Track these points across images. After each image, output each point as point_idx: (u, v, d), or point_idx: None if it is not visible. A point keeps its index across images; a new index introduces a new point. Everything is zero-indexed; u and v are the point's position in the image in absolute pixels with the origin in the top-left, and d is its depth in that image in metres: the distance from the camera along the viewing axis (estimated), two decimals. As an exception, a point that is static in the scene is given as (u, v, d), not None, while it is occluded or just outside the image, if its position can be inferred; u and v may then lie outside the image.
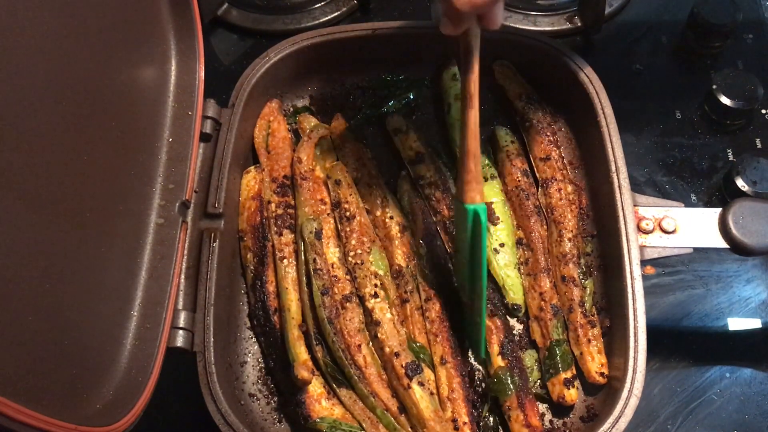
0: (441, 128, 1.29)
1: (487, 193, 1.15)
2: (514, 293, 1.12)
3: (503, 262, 1.13)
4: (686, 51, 1.43)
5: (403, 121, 1.25)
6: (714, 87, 1.31)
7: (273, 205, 1.17)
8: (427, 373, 1.06)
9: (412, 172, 1.21)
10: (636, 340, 1.00)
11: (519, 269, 1.15)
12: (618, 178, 1.09)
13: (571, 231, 1.14)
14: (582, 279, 1.12)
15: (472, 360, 1.10)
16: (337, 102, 1.32)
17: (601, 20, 1.41)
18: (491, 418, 1.06)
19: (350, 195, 1.17)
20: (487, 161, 1.20)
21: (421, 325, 1.10)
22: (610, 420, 0.96)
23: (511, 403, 1.03)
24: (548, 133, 1.22)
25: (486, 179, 1.19)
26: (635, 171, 1.29)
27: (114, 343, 0.96)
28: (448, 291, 1.12)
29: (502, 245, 1.14)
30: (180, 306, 1.05)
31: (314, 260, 1.09)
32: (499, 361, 1.06)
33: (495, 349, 1.07)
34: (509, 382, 1.04)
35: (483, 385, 1.09)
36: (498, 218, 1.15)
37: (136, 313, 1.00)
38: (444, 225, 1.16)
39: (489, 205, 1.14)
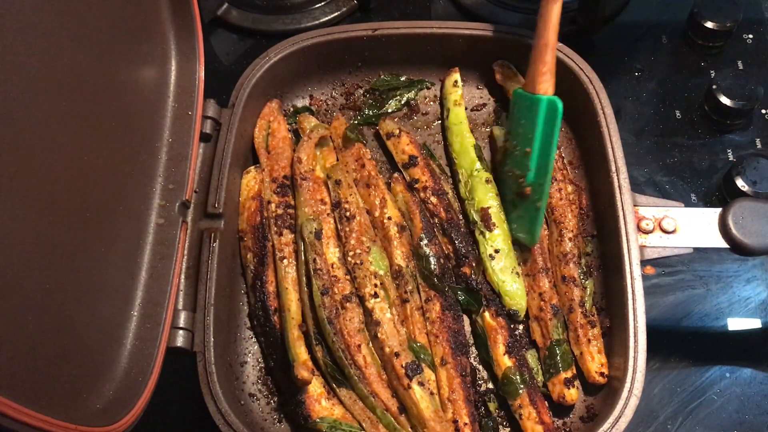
0: (441, 129, 1.29)
1: (481, 198, 1.16)
2: (511, 298, 1.11)
3: (499, 267, 1.12)
4: (686, 51, 1.43)
5: (395, 124, 1.26)
6: (714, 87, 1.31)
7: (273, 205, 1.17)
8: (428, 373, 1.06)
9: (407, 176, 1.21)
10: (636, 340, 1.00)
11: (517, 273, 1.14)
12: (618, 178, 1.09)
13: (572, 231, 1.14)
14: (582, 279, 1.12)
15: (473, 360, 1.10)
16: (337, 102, 1.32)
17: (601, 20, 1.41)
18: (491, 419, 1.06)
19: (350, 195, 1.17)
20: (479, 165, 1.20)
21: (422, 325, 1.10)
22: (610, 420, 0.96)
23: (523, 402, 1.03)
24: (548, 133, 1.22)
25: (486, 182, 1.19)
26: (635, 171, 1.29)
27: (114, 343, 0.96)
28: (448, 291, 1.12)
29: (497, 251, 1.13)
30: (180, 306, 1.05)
31: (314, 260, 1.09)
32: (506, 361, 1.06)
33: (500, 348, 1.07)
34: (519, 381, 1.04)
35: (484, 385, 1.09)
36: (494, 224, 1.15)
37: (136, 313, 1.00)
38: (442, 226, 1.16)
39: (485, 210, 1.14)
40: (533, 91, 1.09)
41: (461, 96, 1.26)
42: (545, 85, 1.08)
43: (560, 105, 1.06)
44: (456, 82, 1.27)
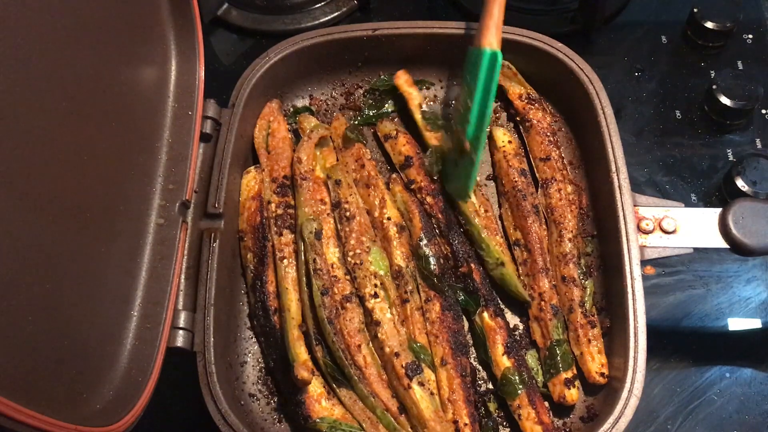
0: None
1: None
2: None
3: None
4: (686, 51, 1.43)
5: (393, 125, 1.26)
6: (714, 87, 1.31)
7: (273, 205, 1.17)
8: (428, 373, 1.06)
9: (404, 177, 1.21)
10: (636, 340, 1.00)
11: (518, 270, 1.15)
12: (618, 178, 1.09)
13: (571, 231, 1.14)
14: (582, 279, 1.12)
15: (473, 360, 1.10)
16: (337, 102, 1.32)
17: (601, 20, 1.41)
18: (491, 420, 1.06)
19: (350, 195, 1.17)
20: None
21: (422, 325, 1.10)
22: (610, 420, 0.96)
23: (522, 402, 1.03)
24: (548, 133, 1.22)
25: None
26: (635, 171, 1.29)
27: (114, 343, 0.96)
28: (449, 291, 1.12)
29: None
30: (180, 306, 1.05)
31: (314, 260, 1.09)
32: (505, 362, 1.06)
33: (499, 349, 1.07)
34: (518, 381, 1.04)
35: (484, 386, 1.09)
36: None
37: (136, 313, 1.00)
38: (440, 227, 1.16)
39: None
40: (479, 45, 1.09)
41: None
42: (490, 39, 1.08)
43: (500, 57, 1.06)
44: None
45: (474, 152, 1.08)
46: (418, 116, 1.25)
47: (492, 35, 1.08)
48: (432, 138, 1.23)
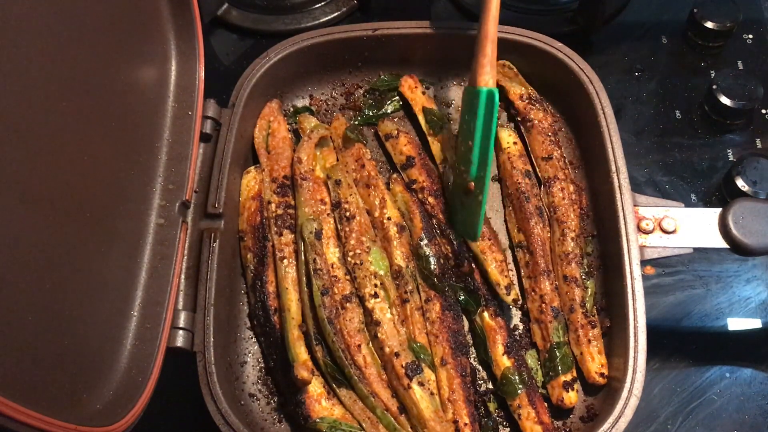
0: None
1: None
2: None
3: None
4: (686, 51, 1.43)
5: (394, 125, 1.26)
6: (714, 87, 1.31)
7: (273, 205, 1.17)
8: (428, 373, 1.06)
9: (405, 176, 1.21)
10: (636, 340, 1.00)
11: (520, 272, 1.15)
12: (618, 178, 1.09)
13: (574, 230, 1.14)
14: (584, 279, 1.12)
15: (473, 360, 1.10)
16: (337, 102, 1.32)
17: (600, 20, 1.41)
18: (491, 419, 1.06)
19: (350, 195, 1.17)
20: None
21: (422, 325, 1.10)
22: (610, 420, 0.96)
23: (522, 402, 1.03)
24: (549, 133, 1.22)
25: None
26: (635, 171, 1.29)
27: (114, 343, 0.96)
28: (449, 292, 1.12)
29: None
30: (180, 306, 1.05)
31: (314, 260, 1.09)
32: (504, 361, 1.06)
33: (500, 349, 1.07)
34: (518, 381, 1.04)
35: (484, 386, 1.09)
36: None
37: (136, 313, 1.00)
38: (440, 227, 1.16)
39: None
40: (475, 84, 1.09)
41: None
42: (486, 77, 1.08)
43: (497, 95, 1.06)
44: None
45: (480, 192, 1.08)
46: (422, 120, 1.25)
47: (487, 74, 1.08)
48: (435, 141, 1.23)
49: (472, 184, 1.10)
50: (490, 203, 1.22)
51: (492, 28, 1.08)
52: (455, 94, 1.31)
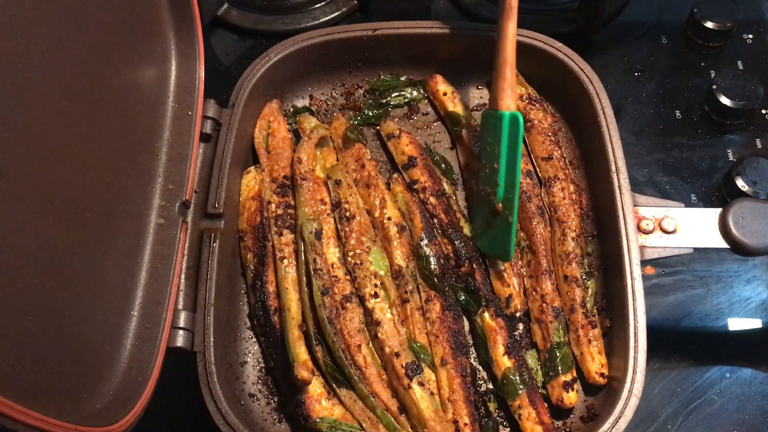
0: (440, 129, 1.29)
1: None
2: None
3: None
4: (686, 51, 1.43)
5: (396, 125, 1.26)
6: (714, 87, 1.31)
7: (273, 205, 1.17)
8: (428, 373, 1.06)
9: (407, 177, 1.21)
10: (636, 340, 1.00)
11: (522, 272, 1.15)
12: (618, 178, 1.09)
13: (575, 230, 1.14)
14: (584, 279, 1.12)
15: (473, 360, 1.10)
16: (337, 102, 1.32)
17: (600, 20, 1.41)
18: (491, 420, 1.06)
19: (350, 195, 1.17)
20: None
21: (422, 325, 1.10)
22: (610, 420, 0.96)
23: (522, 402, 1.03)
24: (549, 133, 1.22)
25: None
26: (635, 171, 1.29)
27: (114, 343, 0.96)
28: (449, 291, 1.12)
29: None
30: (180, 306, 1.05)
31: (314, 260, 1.09)
32: (505, 362, 1.06)
33: (500, 349, 1.07)
34: (518, 381, 1.04)
35: (484, 386, 1.09)
36: None
37: (136, 313, 1.00)
38: (441, 227, 1.16)
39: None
40: (496, 108, 1.11)
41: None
42: (507, 101, 1.10)
43: (521, 119, 1.07)
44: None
45: (509, 213, 1.10)
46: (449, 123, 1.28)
47: (509, 97, 1.10)
48: (461, 147, 1.25)
49: (501, 205, 1.11)
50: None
51: (510, 53, 1.10)
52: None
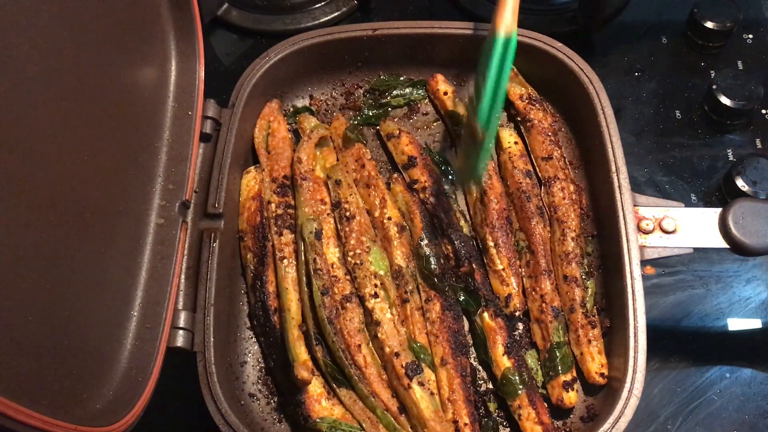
0: (440, 129, 1.30)
1: None
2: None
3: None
4: (686, 51, 1.43)
5: (396, 125, 1.26)
6: (714, 87, 1.31)
7: (273, 205, 1.17)
8: (428, 373, 1.06)
9: (407, 176, 1.21)
10: (636, 340, 1.00)
11: (521, 271, 1.15)
12: (618, 178, 1.09)
13: (574, 230, 1.14)
14: (584, 279, 1.12)
15: (473, 360, 1.10)
16: (337, 102, 1.32)
17: (600, 20, 1.41)
18: (491, 419, 1.06)
19: (350, 195, 1.17)
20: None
21: (422, 325, 1.10)
22: (610, 420, 0.96)
23: (522, 402, 1.03)
24: (549, 133, 1.22)
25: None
26: (635, 171, 1.29)
27: (114, 343, 0.96)
28: (449, 291, 1.12)
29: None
30: (180, 306, 1.05)
31: (314, 260, 1.09)
32: (505, 362, 1.06)
33: (500, 349, 1.07)
34: (518, 381, 1.04)
35: (484, 386, 1.09)
36: None
37: (136, 313, 1.00)
38: (441, 227, 1.16)
39: None
40: (494, 29, 1.08)
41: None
42: (501, 23, 1.07)
43: (514, 40, 1.05)
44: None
45: (488, 138, 1.06)
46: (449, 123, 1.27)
47: (505, 18, 1.07)
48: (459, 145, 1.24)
49: (483, 133, 1.07)
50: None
51: None
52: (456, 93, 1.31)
